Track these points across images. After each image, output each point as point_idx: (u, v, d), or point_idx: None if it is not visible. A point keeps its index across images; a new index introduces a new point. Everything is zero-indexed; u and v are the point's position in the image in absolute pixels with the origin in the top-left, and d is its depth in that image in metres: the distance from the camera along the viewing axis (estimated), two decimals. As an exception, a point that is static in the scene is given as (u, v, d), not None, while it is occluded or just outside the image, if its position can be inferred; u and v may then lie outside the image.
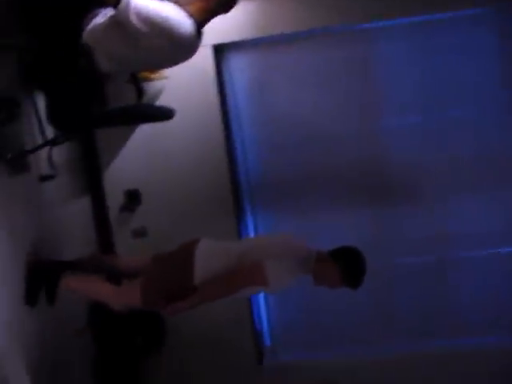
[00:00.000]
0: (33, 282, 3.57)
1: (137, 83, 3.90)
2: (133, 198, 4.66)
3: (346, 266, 3.27)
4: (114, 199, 4.67)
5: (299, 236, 3.54)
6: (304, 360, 4.74)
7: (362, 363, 4.63)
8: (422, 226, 4.53)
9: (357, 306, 4.59)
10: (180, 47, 3.17)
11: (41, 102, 3.69)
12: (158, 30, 3.03)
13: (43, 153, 3.79)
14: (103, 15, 3.24)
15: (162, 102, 4.36)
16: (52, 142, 3.73)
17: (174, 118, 4.01)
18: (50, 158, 3.78)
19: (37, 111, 3.67)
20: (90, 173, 4.58)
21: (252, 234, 4.72)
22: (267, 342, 4.83)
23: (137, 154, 4.58)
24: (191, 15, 3.12)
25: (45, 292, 3.63)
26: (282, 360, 4.79)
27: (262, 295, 4.74)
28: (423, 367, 4.52)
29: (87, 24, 3.24)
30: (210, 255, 3.39)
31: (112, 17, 3.16)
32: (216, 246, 3.48)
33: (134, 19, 3.00)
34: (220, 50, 4.52)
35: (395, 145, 4.52)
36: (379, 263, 4.52)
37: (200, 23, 3.16)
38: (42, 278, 3.59)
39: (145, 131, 4.50)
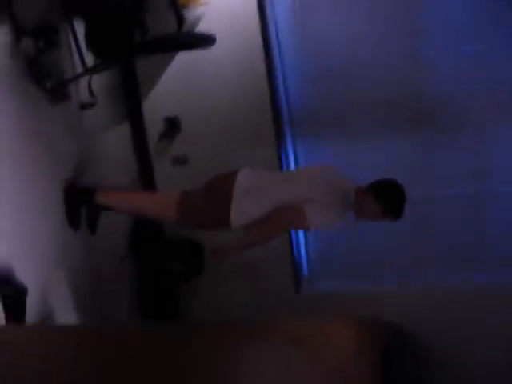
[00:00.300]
0: (72, 206, 3.62)
1: (177, 11, 3.81)
2: (172, 126, 4.63)
3: (386, 197, 3.26)
4: (154, 127, 4.64)
5: (339, 170, 3.51)
6: (342, 289, 4.78)
7: (400, 294, 4.63)
8: (462, 159, 4.41)
9: (396, 238, 4.55)
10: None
11: (80, 29, 3.63)
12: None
13: (83, 81, 3.78)
14: None
15: (202, 28, 4.26)
16: (92, 70, 3.71)
17: (215, 46, 3.96)
18: (89, 86, 3.77)
19: (76, 39, 3.62)
20: (129, 100, 4.54)
21: (292, 164, 4.66)
22: (305, 271, 4.85)
23: (176, 82, 4.51)
24: None
25: (87, 220, 3.69)
26: (319, 289, 4.82)
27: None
28: (461, 301, 4.49)
29: None
30: (248, 194, 3.35)
31: None
32: (254, 183, 3.42)
33: None
34: (261, -25, 4.36)
35: (438, 75, 4.35)
36: (419, 195, 4.46)
37: None
38: (80, 202, 3.63)
39: (185, 58, 4.40)
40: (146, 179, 4.69)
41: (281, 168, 4.57)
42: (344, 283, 4.83)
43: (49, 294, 3.34)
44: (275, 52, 4.49)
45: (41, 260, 3.35)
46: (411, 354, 4.48)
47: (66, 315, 3.42)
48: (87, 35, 3.55)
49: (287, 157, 4.63)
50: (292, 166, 4.66)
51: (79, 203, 3.64)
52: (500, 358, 4.48)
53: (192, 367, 1.87)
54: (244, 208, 3.33)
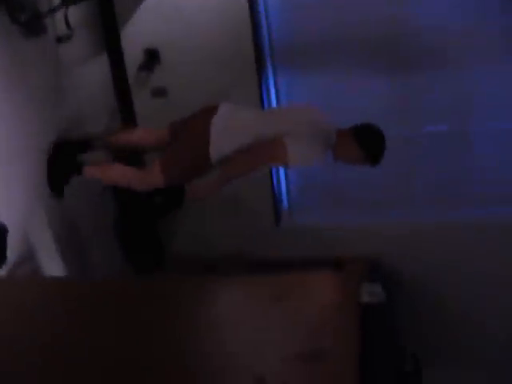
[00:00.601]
0: (57, 169, 3.58)
1: None
2: (152, 58, 4.51)
3: (368, 143, 3.24)
4: (133, 59, 4.52)
5: (322, 111, 3.45)
6: (322, 223, 4.83)
7: (383, 228, 4.69)
8: (449, 95, 4.37)
9: (382, 174, 4.50)
10: None
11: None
12: None
13: (59, 13, 3.65)
14: None
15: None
16: (68, 2, 3.58)
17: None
18: (66, 18, 3.65)
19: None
20: (107, 32, 4.40)
21: (274, 101, 4.60)
22: (285, 205, 4.88)
23: (156, 13, 4.36)
24: None
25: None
26: (299, 223, 4.87)
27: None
28: (448, 236, 4.57)
29: None
30: (227, 128, 3.32)
31: None
32: (235, 117, 3.39)
33: None
34: None
35: (424, 8, 4.27)
36: (406, 131, 4.49)
37: None
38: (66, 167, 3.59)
39: (164, -12, 4.28)
40: (126, 112, 4.62)
41: (262, 105, 4.49)
42: (325, 218, 4.88)
43: (30, 234, 3.34)
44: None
45: (21, 201, 3.33)
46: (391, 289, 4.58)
47: (48, 258, 3.42)
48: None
49: (268, 93, 4.56)
50: (273, 103, 4.59)
51: (65, 167, 3.59)
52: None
53: (174, 317, 1.90)
54: (223, 142, 3.30)
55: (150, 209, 4.64)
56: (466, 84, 4.32)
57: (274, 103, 4.60)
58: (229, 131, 3.31)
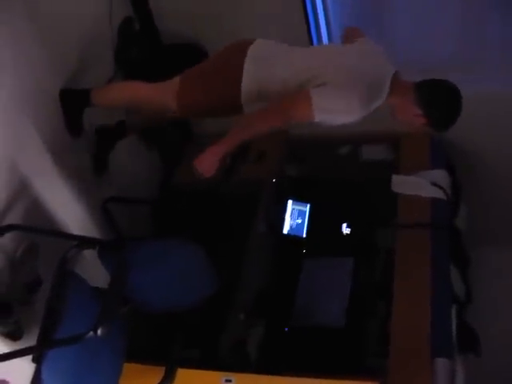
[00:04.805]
0: (71, 110, 3.30)
1: None
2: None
3: (434, 107, 2.64)
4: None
5: (379, 47, 2.85)
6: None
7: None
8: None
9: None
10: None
11: None
12: None
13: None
14: None
15: None
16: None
17: None
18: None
19: None
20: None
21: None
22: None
23: None
24: None
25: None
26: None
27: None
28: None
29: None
30: (261, 70, 2.81)
31: None
32: (271, 58, 2.85)
33: None
34: None
35: None
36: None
37: None
38: (78, 104, 3.29)
39: None
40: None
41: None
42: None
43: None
44: None
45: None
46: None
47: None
48: None
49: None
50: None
51: (77, 106, 3.27)
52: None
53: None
54: (255, 84, 2.81)
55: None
56: None
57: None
58: (262, 73, 2.81)
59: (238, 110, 2.90)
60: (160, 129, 4.21)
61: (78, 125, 3.36)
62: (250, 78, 2.81)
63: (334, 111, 2.62)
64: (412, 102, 2.65)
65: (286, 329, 3.58)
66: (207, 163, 2.75)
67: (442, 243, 3.55)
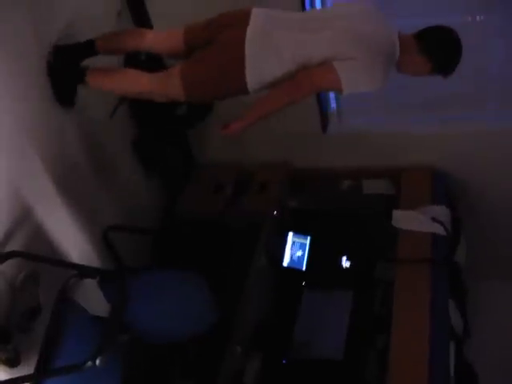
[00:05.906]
0: (61, 76, 3.14)
1: None
2: None
3: (437, 52, 2.76)
4: None
5: (380, 11, 2.88)
6: (371, 127, 4.43)
7: (446, 134, 4.19)
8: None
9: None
10: None
11: None
12: None
13: None
14: None
15: None
16: None
17: None
18: None
19: None
20: None
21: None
22: (333, 108, 4.47)
23: None
24: None
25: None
26: (348, 127, 4.46)
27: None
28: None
29: None
30: (265, 47, 2.77)
31: None
32: (271, 32, 2.79)
33: None
34: None
35: None
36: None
37: None
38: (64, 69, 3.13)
39: None
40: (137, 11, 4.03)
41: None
42: (374, 122, 4.47)
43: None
44: None
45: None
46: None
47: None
48: None
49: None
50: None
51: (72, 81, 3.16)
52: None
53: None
54: (261, 66, 2.78)
55: (173, 122, 4.20)
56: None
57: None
58: (268, 51, 2.77)
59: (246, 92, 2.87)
60: (161, 154, 4.23)
61: (70, 98, 3.28)
62: (254, 73, 2.79)
63: (360, 83, 2.74)
64: (416, 51, 2.77)
65: (284, 361, 3.59)
66: (231, 131, 2.87)
67: (442, 278, 3.60)
